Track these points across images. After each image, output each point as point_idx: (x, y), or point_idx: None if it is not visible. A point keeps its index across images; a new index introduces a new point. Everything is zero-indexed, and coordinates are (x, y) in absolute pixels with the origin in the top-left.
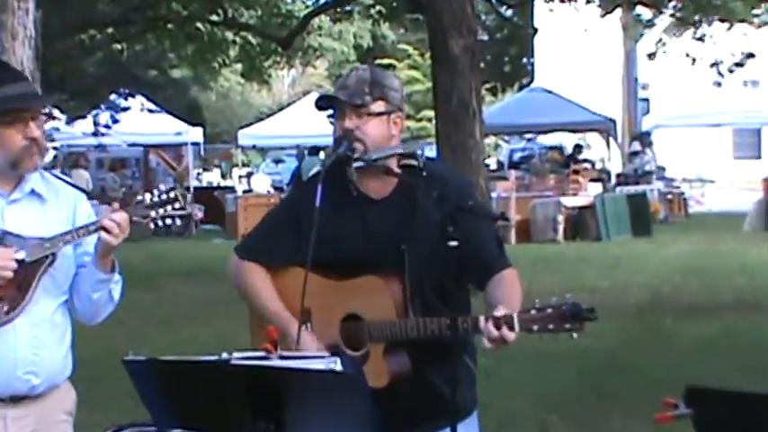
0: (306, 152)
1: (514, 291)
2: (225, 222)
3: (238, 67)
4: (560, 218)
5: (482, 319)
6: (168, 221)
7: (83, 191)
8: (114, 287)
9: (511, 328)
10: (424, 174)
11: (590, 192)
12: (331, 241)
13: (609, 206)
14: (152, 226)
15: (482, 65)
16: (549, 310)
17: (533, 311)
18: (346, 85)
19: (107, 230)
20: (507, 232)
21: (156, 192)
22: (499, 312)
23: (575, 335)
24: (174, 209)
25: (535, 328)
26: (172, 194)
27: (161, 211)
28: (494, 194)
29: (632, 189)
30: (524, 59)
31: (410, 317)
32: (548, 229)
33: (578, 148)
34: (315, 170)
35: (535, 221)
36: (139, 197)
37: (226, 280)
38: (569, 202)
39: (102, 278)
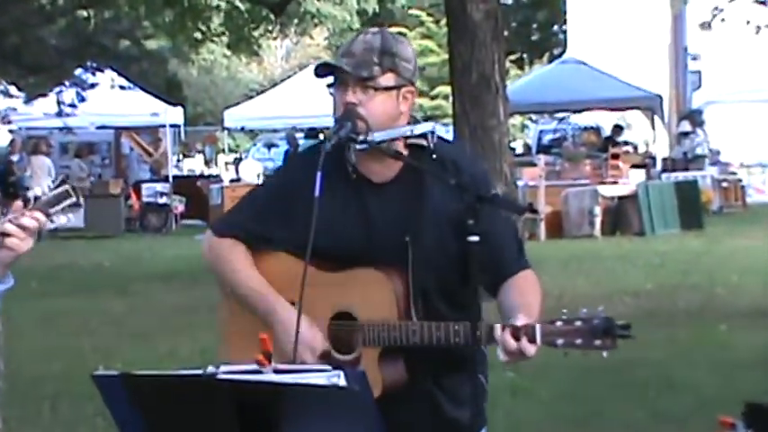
0: (302, 135)
1: (533, 296)
2: (209, 216)
3: (224, 37)
4: (597, 210)
5: (498, 327)
6: (61, 220)
7: None
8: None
9: (532, 341)
10: (434, 156)
11: (632, 179)
12: (325, 228)
13: (654, 196)
14: (49, 224)
15: (506, 33)
16: (578, 324)
17: (559, 323)
18: (352, 51)
19: (7, 234)
20: (536, 227)
21: (47, 189)
22: (519, 321)
23: (605, 353)
24: (66, 207)
25: (560, 342)
26: (62, 188)
27: (58, 206)
28: (520, 183)
29: (681, 176)
30: (555, 26)
31: (413, 319)
32: (583, 222)
33: (618, 128)
34: (309, 144)
35: (568, 214)
36: (34, 194)
37: (211, 283)
38: (608, 191)
39: (7, 288)
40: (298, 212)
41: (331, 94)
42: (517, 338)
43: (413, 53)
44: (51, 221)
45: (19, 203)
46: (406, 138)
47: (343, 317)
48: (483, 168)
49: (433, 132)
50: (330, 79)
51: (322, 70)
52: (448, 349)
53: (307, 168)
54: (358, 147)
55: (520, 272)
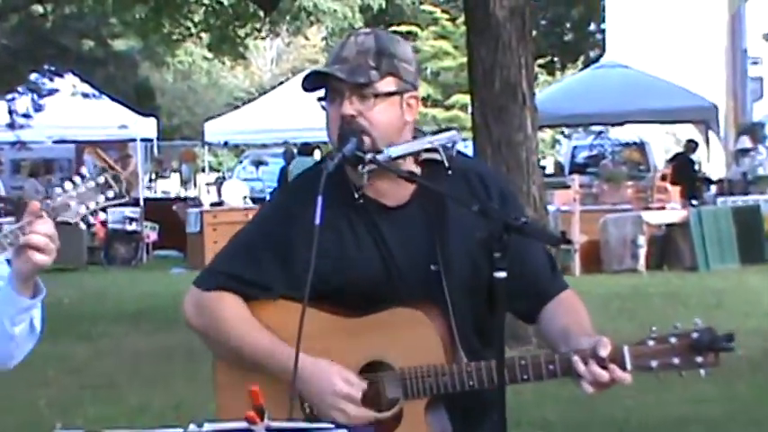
0: (295, 151)
1: (584, 316)
2: (186, 246)
3: (205, 36)
4: (642, 239)
5: (578, 359)
6: (104, 217)
7: None
8: (36, 314)
9: (623, 367)
10: (449, 172)
11: (681, 204)
12: (336, 265)
13: (708, 223)
14: (82, 225)
15: (534, 33)
16: (674, 340)
17: (651, 342)
18: (343, 56)
19: (37, 248)
20: (569, 259)
21: (78, 180)
22: (603, 350)
23: (702, 372)
24: (108, 198)
25: (654, 364)
26: (101, 179)
27: (91, 204)
28: (551, 208)
29: (740, 200)
30: (592, 25)
31: (463, 360)
32: (624, 254)
33: (692, 144)
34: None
35: (607, 244)
36: (57, 190)
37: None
38: (654, 217)
39: (28, 305)
40: (299, 251)
41: (323, 108)
42: (604, 367)
43: (412, 53)
44: (86, 222)
45: (36, 204)
46: (418, 153)
47: (372, 367)
48: (507, 185)
49: (454, 143)
50: (321, 92)
51: (311, 82)
52: (482, 391)
53: (306, 196)
54: (367, 167)
55: (560, 292)
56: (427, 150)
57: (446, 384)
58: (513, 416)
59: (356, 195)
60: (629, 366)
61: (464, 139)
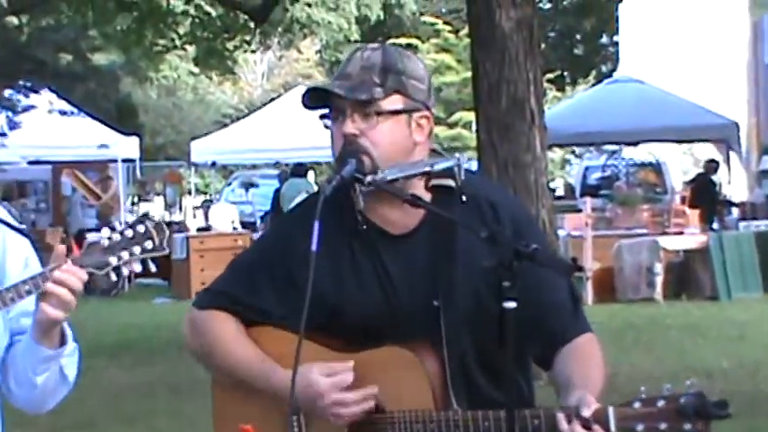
0: (288, 172)
1: (594, 367)
2: (171, 274)
3: (191, 49)
4: (658, 267)
5: (562, 418)
6: (136, 268)
7: (19, 230)
8: (67, 362)
9: (606, 428)
10: (464, 199)
11: (701, 229)
12: (333, 296)
13: (730, 250)
14: (113, 277)
15: (543, 46)
16: (661, 403)
17: (637, 404)
18: (347, 73)
19: (47, 297)
20: (581, 287)
21: (117, 227)
22: (586, 408)
23: None
24: (144, 250)
25: (640, 428)
26: (141, 228)
27: (125, 254)
28: (561, 233)
29: (763, 224)
30: (604, 37)
31: (453, 406)
32: (640, 282)
33: (713, 164)
34: (301, 198)
35: (621, 272)
36: (93, 237)
37: (172, 359)
38: (671, 243)
39: (48, 355)
40: (297, 278)
41: (327, 127)
42: (587, 428)
43: (425, 71)
44: (117, 274)
45: (61, 249)
46: (428, 177)
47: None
48: (526, 209)
49: (459, 166)
50: (324, 111)
51: (311, 99)
52: None
53: (306, 223)
54: (363, 188)
55: (577, 337)
56: (438, 176)
57: (433, 431)
58: None
59: (359, 220)
60: (612, 429)
61: (468, 160)
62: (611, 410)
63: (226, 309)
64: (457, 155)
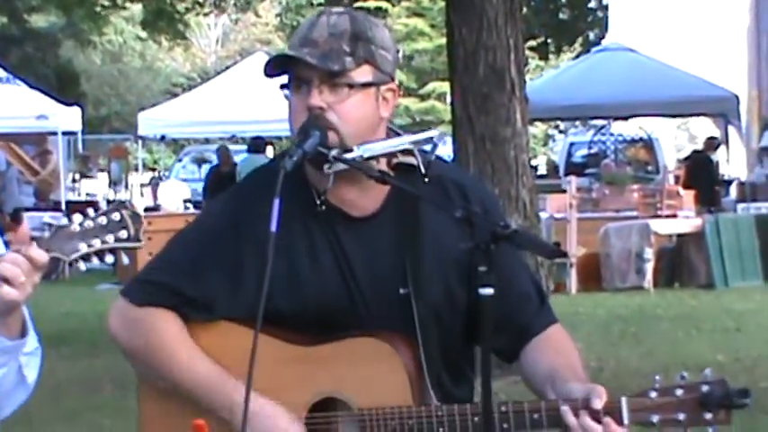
0: (245, 147)
1: (575, 358)
2: (117, 258)
3: (138, 11)
4: (649, 252)
5: (567, 409)
6: (108, 259)
7: None
8: (28, 362)
9: (619, 421)
10: (426, 179)
11: (696, 211)
12: (289, 284)
13: (727, 234)
14: (82, 267)
15: (525, 10)
16: (680, 393)
17: (653, 394)
18: (313, 39)
19: (6, 279)
20: (564, 274)
21: (90, 213)
22: (597, 400)
23: (710, 430)
24: (118, 239)
25: (655, 419)
26: (116, 216)
27: (96, 242)
28: (543, 215)
29: (764, 207)
30: (593, 1)
31: (433, 401)
32: (629, 269)
33: (713, 142)
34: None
35: (609, 258)
36: (63, 221)
37: (117, 351)
38: (663, 227)
39: (6, 346)
40: (248, 264)
41: (286, 97)
42: (598, 420)
43: (391, 38)
44: (85, 262)
45: (24, 231)
46: (392, 155)
47: (326, 405)
48: (493, 195)
49: (435, 145)
50: (283, 79)
51: (274, 67)
52: None
53: (257, 200)
54: (334, 167)
55: (548, 328)
56: (403, 152)
57: (412, 429)
58: None
59: (318, 202)
60: (626, 421)
61: (443, 135)
62: (624, 401)
63: (165, 305)
64: (437, 132)
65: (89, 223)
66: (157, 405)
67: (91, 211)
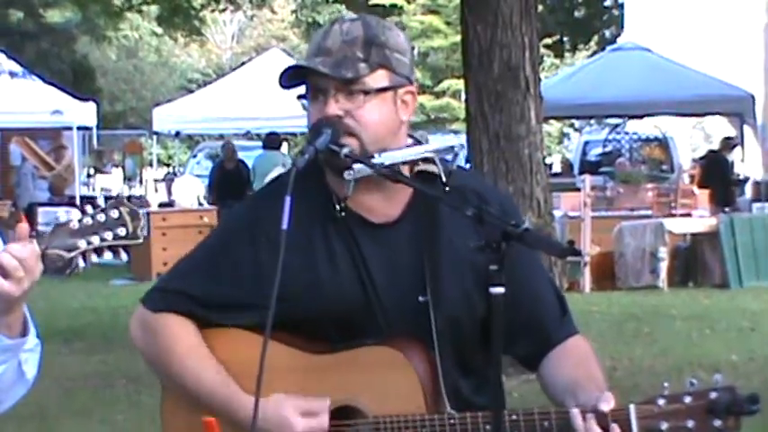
0: (261, 143)
1: (596, 369)
2: (130, 253)
3: (154, 7)
4: (663, 252)
5: (576, 413)
6: (106, 256)
7: None
8: (28, 358)
9: (627, 428)
10: (447, 188)
11: (710, 211)
12: (306, 288)
13: (741, 234)
14: (81, 263)
15: (540, 8)
16: (688, 399)
17: (662, 401)
18: (326, 47)
19: (3, 272)
20: (578, 273)
21: (89, 210)
22: (603, 403)
23: None
24: (117, 236)
25: (664, 427)
26: (114, 213)
27: (95, 239)
28: (557, 213)
29: None
30: (607, 0)
31: (447, 409)
32: (643, 268)
33: (729, 142)
34: (277, 172)
35: (623, 257)
36: (64, 217)
37: (130, 346)
38: (678, 226)
39: (6, 345)
40: (266, 270)
41: (304, 107)
42: (605, 426)
43: (406, 41)
44: (84, 259)
45: (24, 227)
46: (413, 163)
47: (344, 413)
48: (513, 201)
49: (456, 154)
50: (301, 89)
51: (290, 78)
52: None
53: (276, 203)
54: (354, 173)
55: (569, 338)
56: (424, 161)
57: None
58: None
59: (337, 207)
60: (634, 428)
61: (456, 132)
62: (632, 408)
63: (181, 312)
64: (457, 143)
65: (88, 220)
66: (178, 407)
67: (89, 209)
